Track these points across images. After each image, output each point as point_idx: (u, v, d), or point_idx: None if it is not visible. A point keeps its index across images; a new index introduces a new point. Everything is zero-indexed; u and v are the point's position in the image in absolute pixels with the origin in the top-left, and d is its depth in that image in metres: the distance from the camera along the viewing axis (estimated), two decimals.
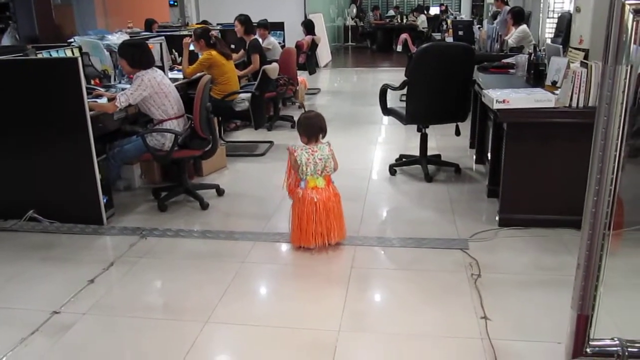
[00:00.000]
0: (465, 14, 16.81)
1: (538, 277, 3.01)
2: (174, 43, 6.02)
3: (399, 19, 18.22)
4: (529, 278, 3.01)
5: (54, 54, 4.42)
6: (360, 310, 2.74)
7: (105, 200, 3.80)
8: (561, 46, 4.42)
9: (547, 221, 3.53)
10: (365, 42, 18.71)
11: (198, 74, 5.18)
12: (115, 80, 4.88)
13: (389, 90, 4.91)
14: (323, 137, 3.39)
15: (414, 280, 3.02)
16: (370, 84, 10.28)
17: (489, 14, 9.38)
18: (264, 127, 6.28)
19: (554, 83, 3.76)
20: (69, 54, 4.50)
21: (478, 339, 2.44)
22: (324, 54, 13.26)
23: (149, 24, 8.80)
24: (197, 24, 9.60)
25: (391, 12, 19.16)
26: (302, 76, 7.92)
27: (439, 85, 4.42)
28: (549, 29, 8.54)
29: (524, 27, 6.89)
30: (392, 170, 4.85)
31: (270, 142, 6.01)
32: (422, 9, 18.43)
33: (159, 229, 3.73)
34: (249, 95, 5.36)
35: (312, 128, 3.35)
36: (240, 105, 5.44)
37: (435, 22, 15.35)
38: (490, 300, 2.74)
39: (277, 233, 3.62)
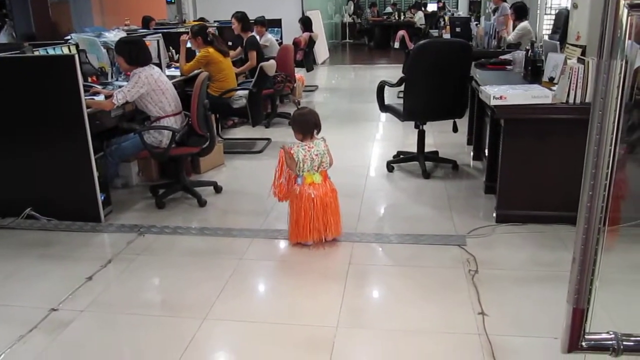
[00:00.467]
0: (462, 11, 16.79)
1: (535, 273, 3.02)
2: (171, 40, 6.01)
3: (396, 16, 18.19)
4: (526, 274, 3.02)
5: (51, 52, 4.40)
6: (358, 307, 2.75)
7: (102, 198, 3.80)
8: (558, 42, 4.42)
9: (544, 217, 3.54)
10: (362, 39, 18.70)
11: (195, 71, 5.18)
12: (112, 77, 4.87)
13: (386, 87, 4.92)
14: (318, 132, 3.39)
15: (411, 276, 3.02)
16: (368, 81, 10.28)
17: (487, 11, 9.38)
18: (262, 124, 6.28)
19: (551, 79, 3.77)
20: (65, 51, 4.49)
21: (475, 335, 2.45)
22: (321, 51, 13.25)
23: (147, 22, 8.78)
24: (194, 21, 9.59)
25: (388, 9, 19.13)
26: (299, 73, 7.92)
27: (437, 82, 4.42)
28: (546, 25, 8.55)
29: (524, 23, 6.89)
30: (390, 167, 4.85)
31: (268, 139, 6.01)
32: (420, 5, 18.41)
33: (156, 226, 3.73)
34: (246, 92, 5.36)
35: (307, 124, 3.35)
36: (238, 103, 5.45)
37: (432, 19, 15.33)
38: (487, 296, 2.75)
39: (275, 230, 3.62)
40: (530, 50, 4.53)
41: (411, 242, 3.42)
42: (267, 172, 4.93)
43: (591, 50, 4.13)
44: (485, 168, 4.27)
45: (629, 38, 0.87)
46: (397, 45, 9.31)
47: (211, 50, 5.31)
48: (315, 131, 3.37)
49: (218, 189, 4.41)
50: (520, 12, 6.99)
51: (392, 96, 6.58)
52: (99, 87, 4.29)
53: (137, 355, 2.40)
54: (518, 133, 3.50)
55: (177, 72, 5.40)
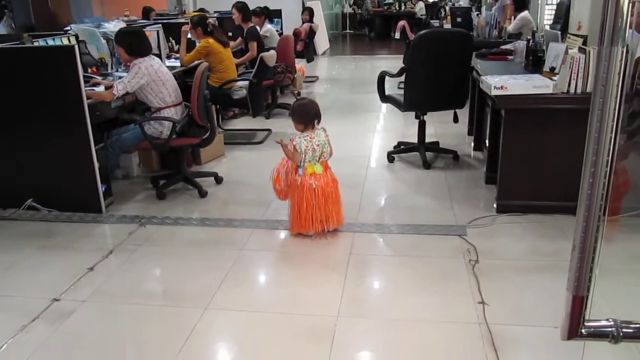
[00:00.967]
0: (463, 1, 16.72)
1: (535, 262, 3.03)
2: (171, 31, 6.00)
3: (397, 6, 18.11)
4: (526, 264, 3.03)
5: (51, 42, 4.39)
6: (358, 296, 2.76)
7: (103, 189, 3.80)
8: (560, 32, 4.40)
9: (545, 207, 3.54)
10: (363, 30, 18.63)
11: (195, 62, 5.17)
12: (112, 68, 4.86)
13: (387, 77, 4.90)
14: (318, 123, 3.39)
15: (412, 266, 3.03)
16: (369, 72, 10.25)
17: (487, 1, 9.33)
18: (262, 115, 6.27)
19: (552, 69, 3.75)
20: (65, 42, 4.48)
21: (475, 324, 2.46)
22: (321, 41, 13.20)
23: (147, 12, 8.75)
24: (194, 11, 9.55)
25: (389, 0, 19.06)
26: (300, 64, 7.90)
27: (437, 72, 4.41)
28: (547, 15, 8.51)
29: (524, 13, 6.85)
30: (390, 158, 4.85)
31: (269, 130, 6.01)
32: None
33: (157, 216, 3.73)
34: (246, 83, 5.35)
35: (308, 115, 3.35)
36: (238, 93, 5.44)
37: (433, 9, 15.29)
38: (487, 285, 2.76)
39: (276, 220, 3.63)
40: (531, 40, 4.51)
41: (412, 232, 3.43)
42: (267, 162, 4.93)
43: (592, 40, 4.12)
44: (486, 158, 4.27)
45: (630, 27, 0.87)
46: (397, 35, 9.28)
47: (211, 40, 5.29)
48: (316, 121, 3.37)
49: (219, 180, 4.41)
50: (520, 3, 6.96)
51: (392, 87, 6.56)
52: (99, 78, 4.28)
53: (139, 345, 2.42)
54: (519, 123, 3.50)
55: (177, 63, 5.39)
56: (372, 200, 4.05)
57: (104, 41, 4.85)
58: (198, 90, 3.97)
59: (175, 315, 2.61)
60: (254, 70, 5.41)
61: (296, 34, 8.24)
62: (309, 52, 9.23)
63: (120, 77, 4.01)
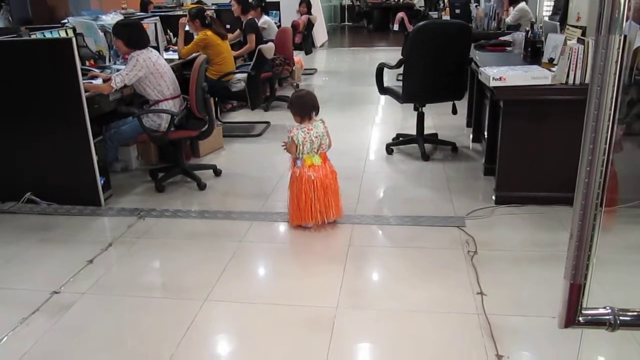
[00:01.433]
0: None
1: (534, 253, 3.04)
2: (169, 23, 5.98)
3: None
4: (524, 254, 3.03)
5: (48, 35, 4.38)
6: (357, 287, 2.77)
7: (102, 182, 3.81)
8: (558, 23, 4.40)
9: (543, 198, 3.55)
10: (361, 22, 18.56)
11: (193, 55, 5.15)
12: (110, 61, 4.85)
13: (385, 69, 4.90)
14: (316, 114, 3.38)
15: (410, 257, 3.04)
16: (367, 64, 10.23)
17: None
18: (261, 107, 6.26)
19: (551, 60, 3.75)
20: (63, 35, 4.46)
21: (474, 314, 2.47)
22: (320, 34, 13.17)
23: (145, 4, 8.72)
24: (192, 4, 9.50)
25: None
26: (298, 56, 7.88)
27: (436, 64, 4.41)
28: (546, 7, 8.48)
29: (522, 5, 6.84)
30: (389, 150, 4.85)
31: (267, 122, 6.00)
32: None
33: (156, 209, 3.74)
34: (245, 75, 5.34)
35: (305, 107, 3.35)
36: (237, 86, 5.43)
37: (432, 1, 15.21)
38: (486, 276, 2.77)
39: (275, 212, 3.63)
40: (530, 32, 4.51)
41: (410, 223, 3.44)
42: (266, 155, 4.97)
43: (591, 31, 4.11)
44: (485, 150, 4.27)
45: (627, 19, 0.87)
46: (396, 27, 9.25)
47: (209, 33, 5.28)
48: (313, 113, 3.36)
49: (217, 173, 4.41)
50: None
51: (391, 79, 6.55)
52: (97, 71, 4.27)
53: (139, 336, 2.42)
54: (517, 114, 3.50)
55: (175, 56, 5.38)
56: (371, 192, 4.05)
57: (101, 34, 4.83)
58: (196, 82, 3.96)
59: (175, 307, 2.62)
60: (252, 63, 5.40)
61: (294, 26, 8.21)
62: (307, 45, 9.20)
63: (118, 70, 4.00)
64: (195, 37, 5.34)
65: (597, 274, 1.10)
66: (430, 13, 11.21)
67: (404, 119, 5.98)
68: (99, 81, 3.98)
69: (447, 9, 8.38)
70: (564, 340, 2.21)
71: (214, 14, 5.89)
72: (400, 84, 4.63)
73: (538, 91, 3.40)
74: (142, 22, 4.58)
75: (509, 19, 6.76)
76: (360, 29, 18.01)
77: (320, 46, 13.21)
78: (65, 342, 2.38)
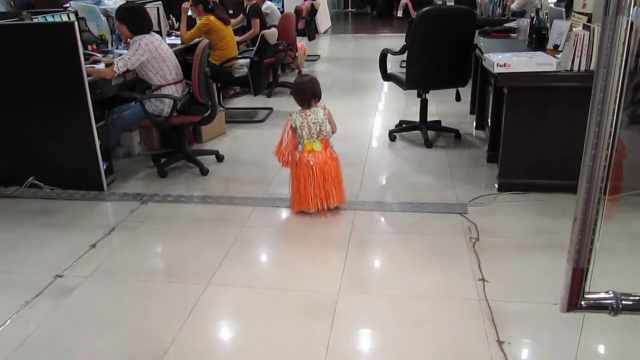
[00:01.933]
0: None
1: (536, 240, 3.04)
2: (172, 8, 5.94)
3: None
4: (526, 241, 3.03)
5: (50, 20, 4.36)
6: (359, 273, 2.78)
7: (105, 167, 3.81)
8: (564, 9, 4.36)
9: (546, 186, 3.54)
10: (365, 8, 18.42)
11: (196, 40, 5.13)
12: (112, 45, 4.83)
13: (389, 56, 4.87)
14: (317, 101, 3.37)
15: (413, 243, 3.04)
16: (370, 51, 10.17)
17: None
18: (263, 93, 6.24)
19: (556, 47, 3.72)
20: (65, 19, 4.44)
21: (475, 301, 2.47)
22: (323, 20, 13.08)
23: None
24: None
25: None
26: (301, 42, 7.84)
27: (440, 50, 4.38)
28: None
29: None
30: (392, 136, 4.84)
31: (270, 108, 5.99)
32: None
33: (159, 194, 3.74)
34: (247, 61, 5.32)
35: (305, 93, 3.34)
36: (239, 71, 5.41)
37: None
38: (488, 263, 2.77)
39: (277, 198, 3.63)
40: (535, 18, 4.47)
41: (413, 210, 3.43)
42: (269, 141, 4.93)
43: (597, 18, 4.07)
44: (488, 137, 4.26)
45: (635, 5, 0.86)
46: (400, 14, 9.18)
47: (212, 18, 5.25)
48: (313, 100, 3.35)
49: (220, 158, 4.41)
50: None
51: (395, 65, 6.52)
52: (99, 56, 4.25)
53: (141, 319, 2.44)
54: (521, 101, 3.48)
55: (178, 41, 5.35)
56: (374, 178, 4.05)
57: (104, 18, 4.81)
58: (199, 67, 3.95)
59: (177, 292, 2.63)
60: (255, 49, 5.37)
61: (298, 11, 8.16)
62: (310, 31, 9.14)
63: (120, 55, 3.98)
64: (198, 22, 5.31)
65: (599, 262, 1.09)
66: None
67: (407, 105, 5.95)
68: (101, 66, 3.96)
69: None
70: (565, 326, 2.21)
71: None
72: (404, 70, 4.60)
73: (543, 78, 3.38)
74: (145, 6, 4.55)
75: (514, 6, 6.71)
76: (364, 15, 17.88)
77: (324, 32, 13.14)
78: (68, 325, 2.39)
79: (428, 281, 2.66)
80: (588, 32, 3.24)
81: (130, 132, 4.52)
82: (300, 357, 2.17)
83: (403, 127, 4.99)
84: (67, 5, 5.10)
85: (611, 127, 0.85)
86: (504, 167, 3.64)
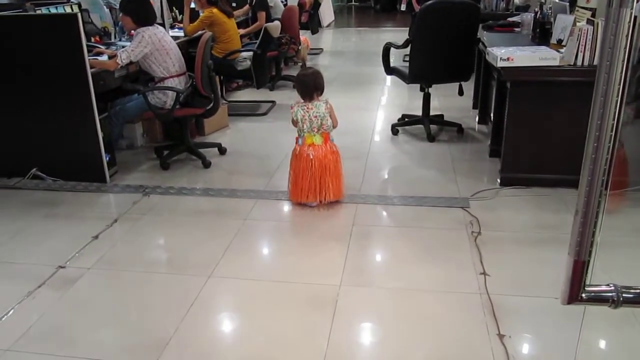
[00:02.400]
0: None
1: (537, 235, 3.04)
2: (175, 0, 5.93)
3: None
4: (528, 236, 3.03)
5: (53, 11, 4.35)
6: (361, 266, 2.78)
7: (107, 158, 3.82)
8: (568, 4, 4.34)
9: (548, 180, 3.54)
10: (369, 2, 18.37)
11: (199, 32, 5.12)
12: (115, 37, 4.83)
13: (392, 50, 4.86)
14: (319, 95, 3.36)
15: (414, 237, 3.05)
16: (373, 44, 10.14)
17: None
18: (266, 86, 6.24)
19: (560, 41, 3.71)
20: (68, 10, 4.44)
21: (477, 294, 2.48)
22: (326, 13, 13.05)
23: None
24: None
25: None
26: (304, 35, 7.82)
27: (443, 44, 4.37)
28: None
29: None
30: (395, 130, 4.84)
31: (273, 101, 5.99)
32: None
33: (161, 186, 3.75)
34: (250, 54, 5.31)
35: (306, 87, 3.34)
36: (242, 65, 5.41)
37: None
38: (489, 257, 2.78)
39: (279, 191, 3.64)
40: (539, 13, 4.45)
41: (415, 204, 3.44)
42: (271, 134, 4.96)
43: (601, 13, 4.05)
44: (490, 131, 4.25)
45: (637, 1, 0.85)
46: (403, 7, 9.19)
47: (215, 10, 5.24)
48: (315, 94, 3.35)
49: (222, 151, 4.41)
50: None
51: (398, 59, 6.50)
52: (102, 47, 4.25)
53: (143, 311, 2.45)
54: (524, 96, 3.47)
55: (181, 33, 5.35)
56: (376, 172, 4.05)
57: (107, 10, 4.81)
58: (202, 60, 3.94)
59: (179, 283, 2.64)
60: (258, 42, 5.36)
61: (301, 4, 8.14)
62: (313, 24, 9.12)
63: (123, 47, 3.98)
64: (201, 14, 5.30)
65: (601, 256, 1.10)
66: None
67: (410, 99, 5.95)
68: (104, 57, 3.96)
69: None
70: (566, 320, 2.22)
71: None
72: (407, 64, 4.59)
73: (546, 72, 3.37)
74: None
75: (518, 0, 6.68)
76: (367, 9, 17.83)
77: (327, 26, 13.11)
78: (70, 315, 2.41)
79: (429, 274, 2.66)
80: (592, 27, 3.23)
81: (133, 124, 4.53)
82: (301, 349, 2.18)
83: (406, 121, 4.99)
84: None
85: (614, 119, 0.85)
86: (506, 162, 3.63)
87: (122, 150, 4.45)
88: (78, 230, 3.16)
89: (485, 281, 2.57)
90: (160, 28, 4.06)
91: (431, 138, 4.60)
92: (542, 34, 4.18)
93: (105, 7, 4.81)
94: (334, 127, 3.38)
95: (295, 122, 3.33)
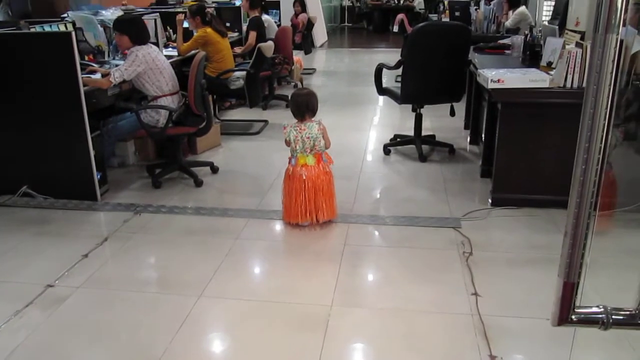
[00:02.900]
0: None
1: (529, 255, 3.05)
2: (169, 20, 5.97)
3: (395, 0, 18.07)
4: (519, 256, 3.04)
5: (47, 29, 4.37)
6: (352, 286, 2.77)
7: (99, 177, 3.80)
8: (557, 27, 4.41)
9: (540, 201, 3.55)
10: (361, 23, 18.57)
11: (193, 52, 5.15)
12: (109, 56, 4.84)
13: (384, 70, 4.90)
14: (311, 116, 3.38)
15: (406, 257, 3.04)
16: (366, 65, 10.23)
17: None
18: (259, 106, 6.26)
19: (549, 64, 3.76)
20: (62, 29, 4.46)
21: (468, 315, 2.47)
22: (319, 34, 13.17)
23: None
24: (192, 1, 9.49)
25: None
26: (297, 56, 7.88)
27: (434, 65, 4.41)
28: (546, 11, 8.52)
29: (522, 8, 6.86)
30: (387, 150, 4.86)
31: (265, 121, 6.01)
32: None
33: (153, 205, 3.74)
34: (244, 73, 5.34)
35: (298, 107, 3.36)
36: (235, 84, 5.43)
37: (432, 3, 15.22)
38: (481, 277, 2.77)
39: (271, 210, 3.63)
40: (529, 35, 4.52)
41: (406, 224, 3.44)
42: (264, 153, 4.97)
43: (590, 36, 4.12)
44: (482, 152, 4.28)
45: (624, 24, 0.87)
46: (396, 29, 9.29)
47: (209, 30, 5.28)
48: (307, 114, 3.36)
49: (214, 170, 4.41)
50: (514, 1, 6.96)
51: (390, 80, 6.56)
52: (96, 66, 4.26)
53: (133, 331, 2.42)
54: (515, 117, 3.50)
55: (175, 52, 5.37)
56: (368, 192, 4.05)
57: (101, 29, 4.82)
58: (195, 79, 3.96)
59: (169, 303, 2.62)
60: (251, 61, 5.39)
61: (294, 25, 8.21)
62: (306, 44, 9.21)
63: (117, 65, 3.99)
64: (195, 34, 5.34)
65: (591, 277, 1.10)
66: (430, 15, 11.21)
67: (401, 119, 5.99)
68: (97, 76, 3.97)
69: (447, 11, 8.39)
70: (557, 341, 2.22)
71: (215, 12, 5.90)
72: (399, 85, 4.63)
73: (536, 94, 3.41)
74: (142, 18, 4.58)
75: (508, 23, 6.78)
76: (360, 30, 18.01)
77: (320, 46, 13.22)
78: (58, 335, 2.37)
79: (421, 295, 2.66)
80: (581, 50, 3.28)
81: (125, 142, 4.52)
82: None
83: (398, 141, 5.01)
84: (65, 15, 5.13)
85: (601, 142, 0.86)
86: (497, 182, 3.66)
87: (114, 169, 4.44)
88: (68, 249, 3.13)
89: (476, 302, 2.56)
90: (154, 47, 4.08)
91: (423, 158, 4.62)
92: (532, 56, 4.24)
93: (99, 25, 4.82)
94: (327, 147, 3.39)
95: (288, 143, 3.34)
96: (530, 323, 2.41)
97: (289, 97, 3.50)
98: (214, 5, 7.71)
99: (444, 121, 5.49)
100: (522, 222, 3.44)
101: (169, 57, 4.85)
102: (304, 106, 3.35)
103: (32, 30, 4.24)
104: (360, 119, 6.20)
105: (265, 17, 7.47)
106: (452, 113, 4.90)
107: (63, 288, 2.73)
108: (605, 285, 2.49)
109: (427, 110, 4.82)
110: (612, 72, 0.84)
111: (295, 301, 2.62)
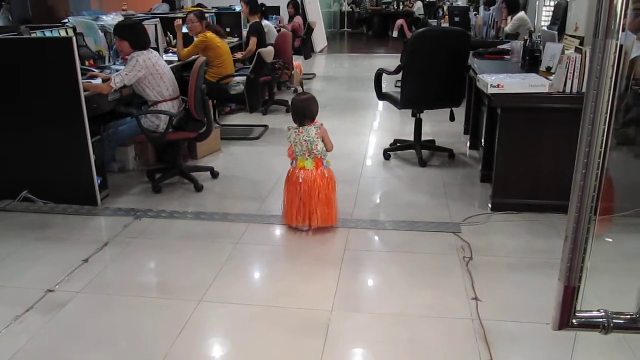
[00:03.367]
0: (461, 1, 16.74)
1: (529, 260, 3.05)
2: (169, 26, 5.99)
3: (395, 6, 18.13)
4: (520, 261, 3.04)
5: (48, 35, 4.38)
6: (353, 292, 2.77)
7: (99, 182, 3.80)
8: (557, 33, 4.42)
9: (540, 206, 3.56)
10: (361, 29, 18.63)
11: (193, 57, 5.16)
12: (109, 61, 4.85)
13: (384, 76, 4.91)
14: (309, 122, 3.36)
15: (406, 262, 3.04)
16: (366, 70, 10.25)
17: (485, 0, 9.36)
18: (259, 111, 6.27)
19: (549, 69, 3.77)
20: (63, 34, 4.47)
21: (469, 320, 2.47)
22: (319, 39, 13.21)
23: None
24: (192, 7, 9.52)
25: None
26: (297, 61, 7.90)
27: (434, 71, 4.42)
28: (545, 17, 8.55)
29: (521, 14, 6.87)
30: (387, 155, 4.87)
31: (265, 126, 6.01)
32: None
33: (153, 210, 3.74)
34: (244, 78, 5.35)
35: (297, 112, 3.38)
36: (236, 89, 5.44)
37: (432, 9, 15.30)
38: (481, 282, 2.77)
39: (271, 215, 3.63)
40: (528, 41, 4.53)
41: (407, 229, 3.44)
42: (264, 158, 4.97)
43: (589, 41, 4.13)
44: (482, 157, 4.29)
45: (624, 29, 0.88)
46: (395, 34, 9.31)
47: (209, 34, 5.30)
48: (306, 120, 3.35)
49: (215, 175, 4.41)
50: (513, 6, 6.98)
51: (390, 85, 6.58)
52: (97, 71, 4.27)
53: (133, 336, 2.42)
54: (514, 122, 3.51)
55: (175, 58, 5.39)
56: (368, 197, 4.06)
57: (101, 34, 4.84)
58: (195, 84, 3.97)
59: (170, 308, 2.61)
60: (251, 66, 5.41)
61: (294, 30, 8.24)
62: (306, 50, 9.23)
63: (117, 71, 4.00)
64: (196, 39, 5.35)
65: (591, 282, 1.10)
66: (429, 21, 11.26)
67: (401, 125, 5.99)
68: (98, 81, 3.97)
69: (447, 17, 8.43)
70: (558, 346, 2.21)
71: (213, 18, 5.92)
72: (399, 90, 4.64)
73: (536, 99, 3.42)
74: (142, 23, 4.59)
75: (508, 28, 6.80)
76: (360, 36, 18.07)
77: (320, 52, 13.25)
78: (59, 340, 2.37)
79: (421, 300, 2.66)
80: (580, 55, 3.29)
81: (125, 147, 4.53)
82: None
83: (398, 146, 5.02)
84: (66, 20, 5.14)
85: (601, 147, 0.87)
86: (497, 187, 3.66)
87: (114, 174, 4.44)
88: (68, 254, 3.13)
89: (477, 307, 2.56)
90: (155, 53, 4.09)
91: (423, 163, 4.63)
92: (531, 62, 4.25)
93: (100, 31, 4.84)
94: (329, 150, 3.39)
95: (290, 145, 3.37)
96: (531, 328, 2.41)
97: (290, 102, 3.51)
98: (214, 11, 7.73)
99: (444, 126, 5.50)
100: (523, 227, 3.44)
101: (169, 62, 4.85)
102: (302, 112, 3.36)
103: (33, 35, 4.25)
104: (360, 124, 6.21)
105: (265, 22, 7.49)
106: (452, 118, 4.91)
107: (63, 293, 2.73)
108: (605, 290, 2.49)
109: (427, 116, 4.83)
110: (612, 78, 0.84)
111: (296, 306, 2.62)
